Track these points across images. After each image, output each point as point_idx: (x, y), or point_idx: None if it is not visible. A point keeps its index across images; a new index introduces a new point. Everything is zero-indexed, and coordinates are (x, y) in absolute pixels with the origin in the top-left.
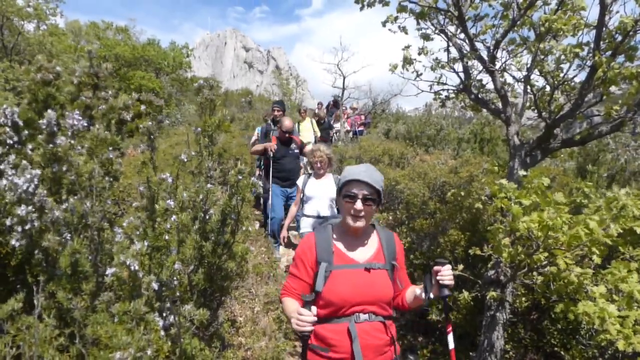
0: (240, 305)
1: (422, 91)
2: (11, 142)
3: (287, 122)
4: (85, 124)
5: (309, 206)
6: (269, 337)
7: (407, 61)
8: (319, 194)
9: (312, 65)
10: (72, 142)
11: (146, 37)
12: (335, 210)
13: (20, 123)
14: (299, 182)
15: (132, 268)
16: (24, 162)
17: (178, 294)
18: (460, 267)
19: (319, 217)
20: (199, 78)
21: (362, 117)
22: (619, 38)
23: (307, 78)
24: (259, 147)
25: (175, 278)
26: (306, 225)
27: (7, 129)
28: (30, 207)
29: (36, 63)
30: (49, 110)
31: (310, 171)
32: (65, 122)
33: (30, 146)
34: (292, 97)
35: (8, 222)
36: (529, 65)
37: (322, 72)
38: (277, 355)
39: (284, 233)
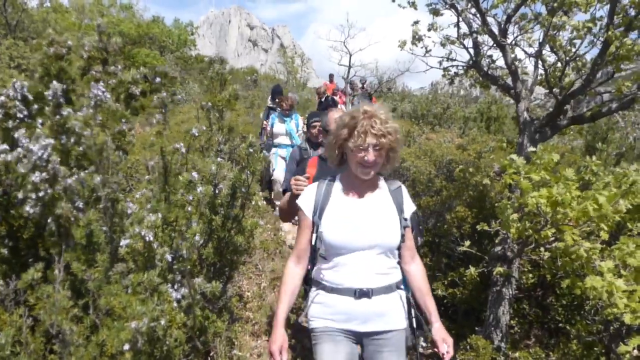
0: (248, 280)
1: (431, 67)
2: (21, 116)
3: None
4: (108, 96)
5: (339, 269)
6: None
7: (417, 37)
8: (363, 237)
9: (317, 43)
10: (93, 112)
11: (150, 14)
12: (399, 271)
13: (30, 97)
14: (305, 201)
15: (147, 239)
16: (38, 130)
17: (188, 267)
18: (467, 243)
19: (362, 293)
20: (204, 56)
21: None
22: (633, 13)
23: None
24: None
25: (187, 250)
26: (321, 313)
27: (17, 103)
28: (44, 174)
29: (47, 37)
30: (54, 82)
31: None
32: (87, 94)
33: (40, 120)
34: (297, 76)
35: (20, 195)
36: (540, 41)
37: (327, 50)
38: None
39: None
